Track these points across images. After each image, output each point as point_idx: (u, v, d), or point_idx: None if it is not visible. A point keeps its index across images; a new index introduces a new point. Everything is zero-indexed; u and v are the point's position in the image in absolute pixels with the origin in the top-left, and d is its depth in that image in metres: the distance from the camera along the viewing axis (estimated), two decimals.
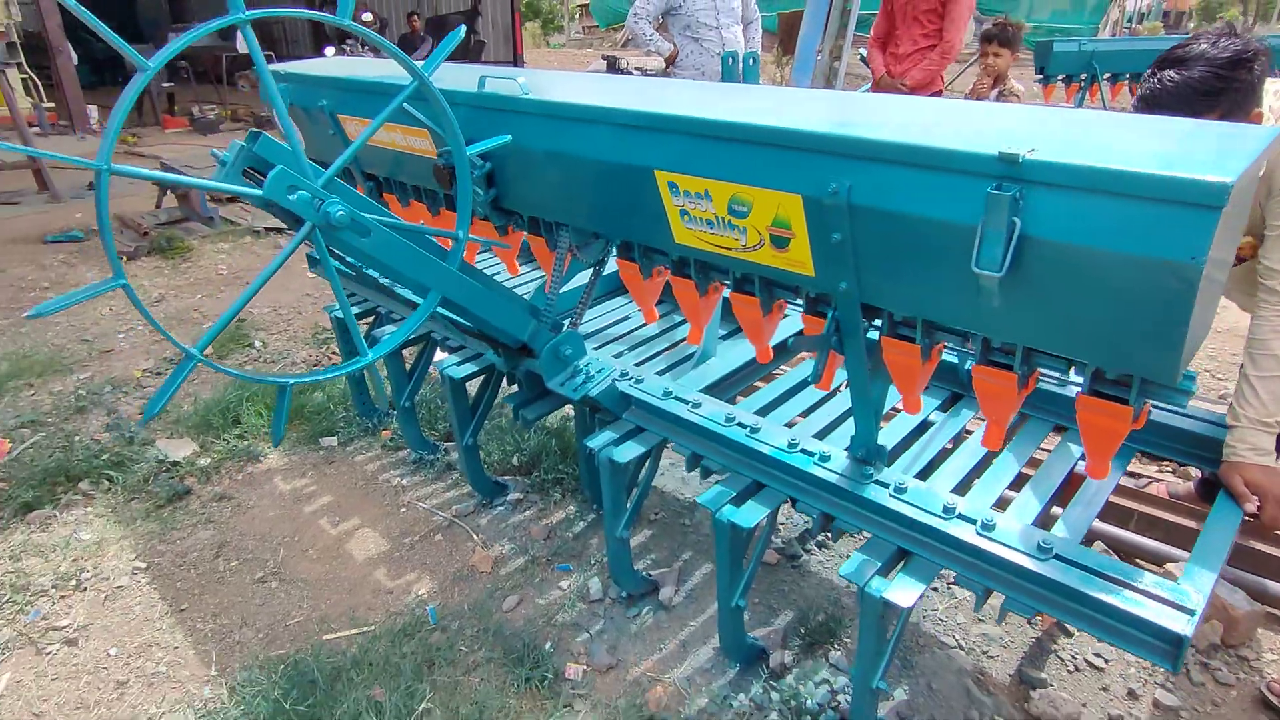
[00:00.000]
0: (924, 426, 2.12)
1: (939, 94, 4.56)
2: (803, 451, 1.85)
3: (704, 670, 2.14)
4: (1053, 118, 1.44)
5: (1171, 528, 2.56)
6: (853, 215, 1.37)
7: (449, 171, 2.06)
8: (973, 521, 1.59)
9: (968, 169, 1.20)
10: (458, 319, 2.17)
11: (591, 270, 2.21)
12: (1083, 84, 6.96)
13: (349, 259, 1.87)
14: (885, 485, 1.71)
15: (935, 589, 2.41)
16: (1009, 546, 1.53)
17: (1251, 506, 1.62)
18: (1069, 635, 2.25)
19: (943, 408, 2.21)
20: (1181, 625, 1.33)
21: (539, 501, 2.83)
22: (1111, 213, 1.10)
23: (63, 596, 2.44)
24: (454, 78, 2.16)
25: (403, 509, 2.83)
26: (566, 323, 2.27)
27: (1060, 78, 6.91)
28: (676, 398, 2.10)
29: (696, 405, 2.06)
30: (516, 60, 13.31)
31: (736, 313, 1.84)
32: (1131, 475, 2.90)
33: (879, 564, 1.64)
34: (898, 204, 1.31)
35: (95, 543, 2.66)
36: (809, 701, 1.95)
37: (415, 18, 12.56)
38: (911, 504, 1.66)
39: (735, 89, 2.06)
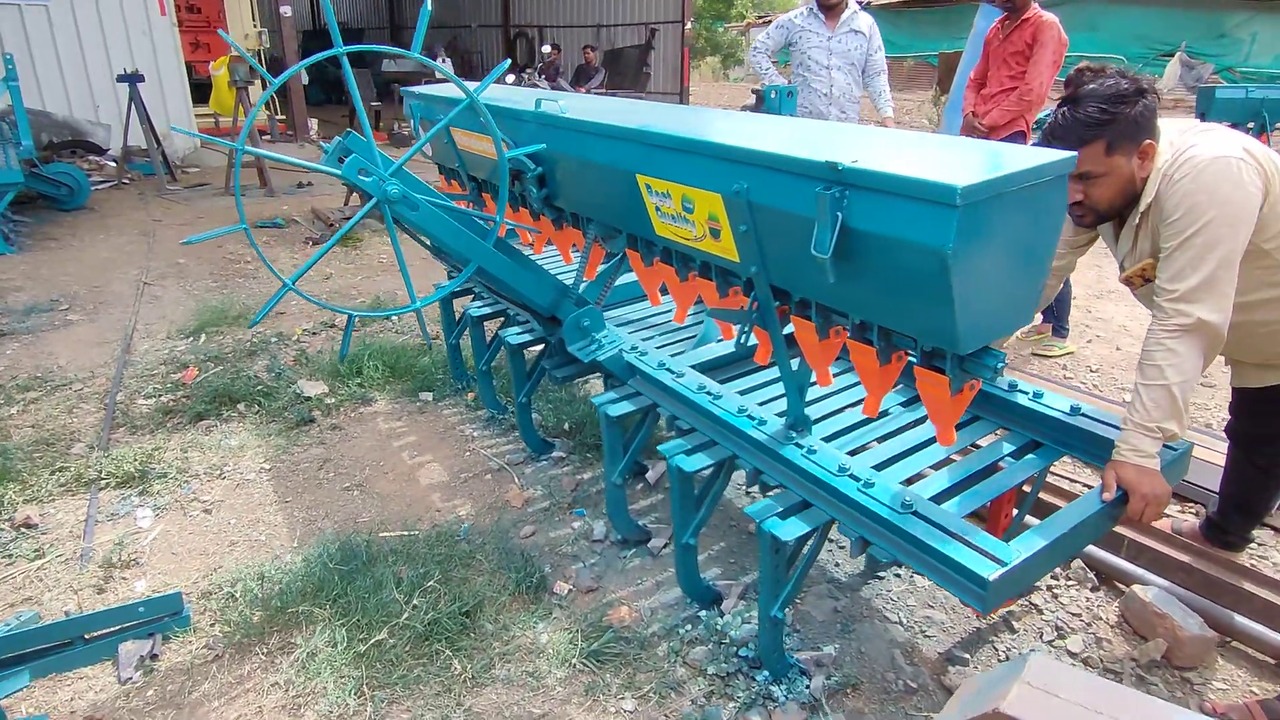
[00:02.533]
0: (882, 416, 2.38)
1: (1024, 135, 4.61)
2: (748, 417, 2.20)
3: (669, 605, 2.51)
4: (893, 138, 1.75)
5: (1157, 557, 2.61)
6: (752, 210, 1.75)
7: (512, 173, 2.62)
8: (858, 480, 1.88)
9: (809, 173, 1.55)
10: (502, 291, 2.69)
11: (616, 260, 2.67)
12: (1250, 132, 6.55)
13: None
14: (801, 448, 2.03)
15: (898, 575, 2.63)
16: (879, 501, 1.81)
17: (1108, 496, 1.79)
18: (1012, 631, 2.40)
19: (905, 404, 2.45)
20: (988, 571, 1.57)
21: (576, 461, 3.31)
22: (898, 208, 1.42)
23: (209, 480, 3.21)
24: (527, 99, 2.70)
25: (467, 453, 3.40)
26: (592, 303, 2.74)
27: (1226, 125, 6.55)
28: (667, 369, 2.51)
29: (680, 375, 2.46)
30: (682, 93, 14.05)
31: (703, 295, 2.23)
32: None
33: (779, 509, 1.96)
34: (777, 201, 1.67)
35: (239, 447, 3.43)
36: (733, 633, 2.27)
37: (590, 50, 13.66)
38: (815, 463, 1.97)
39: (738, 116, 2.46)
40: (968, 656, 2.29)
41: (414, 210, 2.19)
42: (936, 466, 2.13)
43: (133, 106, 8.05)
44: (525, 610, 2.49)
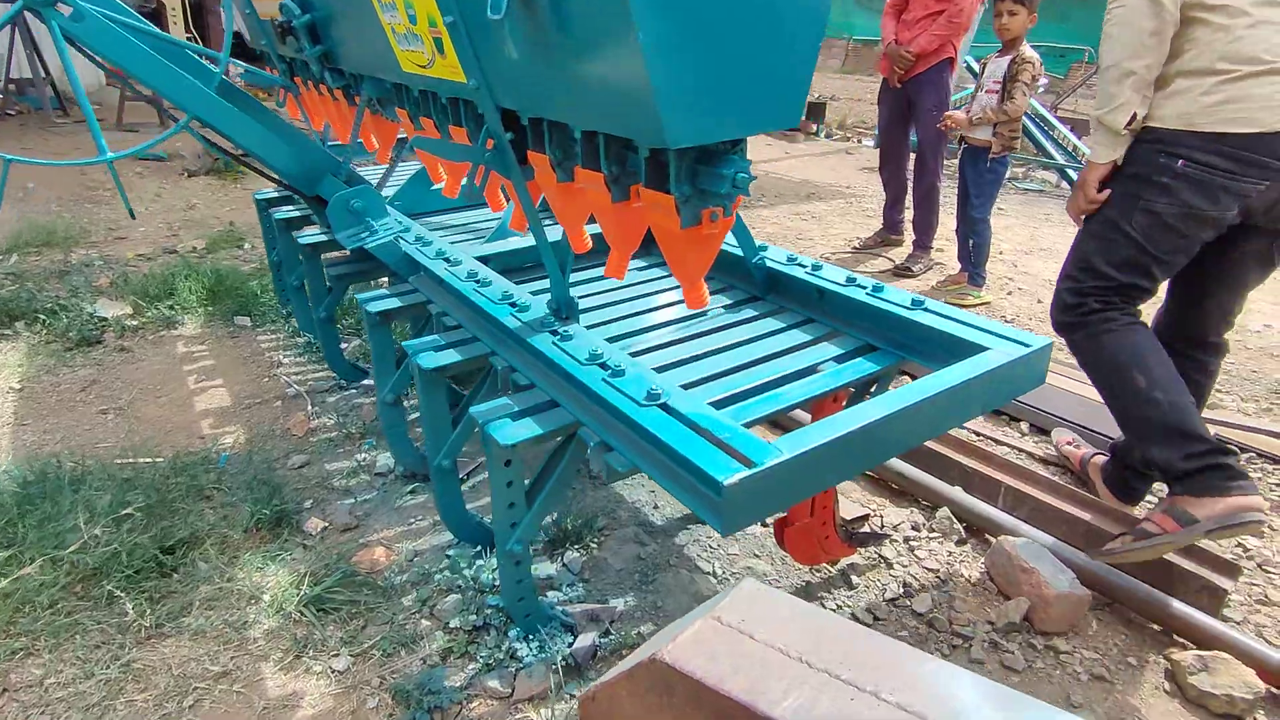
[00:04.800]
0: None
1: (950, 63, 4.18)
2: (510, 304, 1.73)
3: (439, 547, 2.03)
4: None
5: (1039, 507, 2.19)
6: None
7: (280, 28, 2.12)
8: (606, 369, 1.42)
9: None
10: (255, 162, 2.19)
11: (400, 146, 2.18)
12: None
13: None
14: (555, 334, 1.56)
15: None
16: (621, 393, 1.35)
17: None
18: (850, 588, 1.96)
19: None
20: (725, 474, 1.11)
21: None
22: None
23: None
24: None
25: (265, 380, 2.90)
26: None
27: None
28: (445, 258, 2.03)
29: (455, 264, 1.98)
30: None
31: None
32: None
33: (516, 409, 1.49)
34: None
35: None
36: (484, 577, 1.81)
37: None
38: (563, 351, 1.50)
39: None
40: None
41: (80, 23, 1.68)
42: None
43: (15, 34, 7.38)
44: (259, 549, 2.00)
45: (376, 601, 1.86)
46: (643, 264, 2.28)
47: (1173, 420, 1.79)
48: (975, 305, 3.95)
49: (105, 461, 2.29)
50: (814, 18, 1.07)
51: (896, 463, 2.38)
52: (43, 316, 3.24)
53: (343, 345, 2.98)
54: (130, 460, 2.32)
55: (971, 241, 3.96)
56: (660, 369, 1.60)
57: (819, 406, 1.70)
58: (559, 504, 1.94)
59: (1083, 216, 1.97)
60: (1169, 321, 2.06)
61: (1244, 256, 1.87)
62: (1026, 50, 3.69)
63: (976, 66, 3.88)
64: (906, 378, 2.79)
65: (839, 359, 1.68)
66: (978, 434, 2.69)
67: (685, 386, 1.54)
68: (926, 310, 1.66)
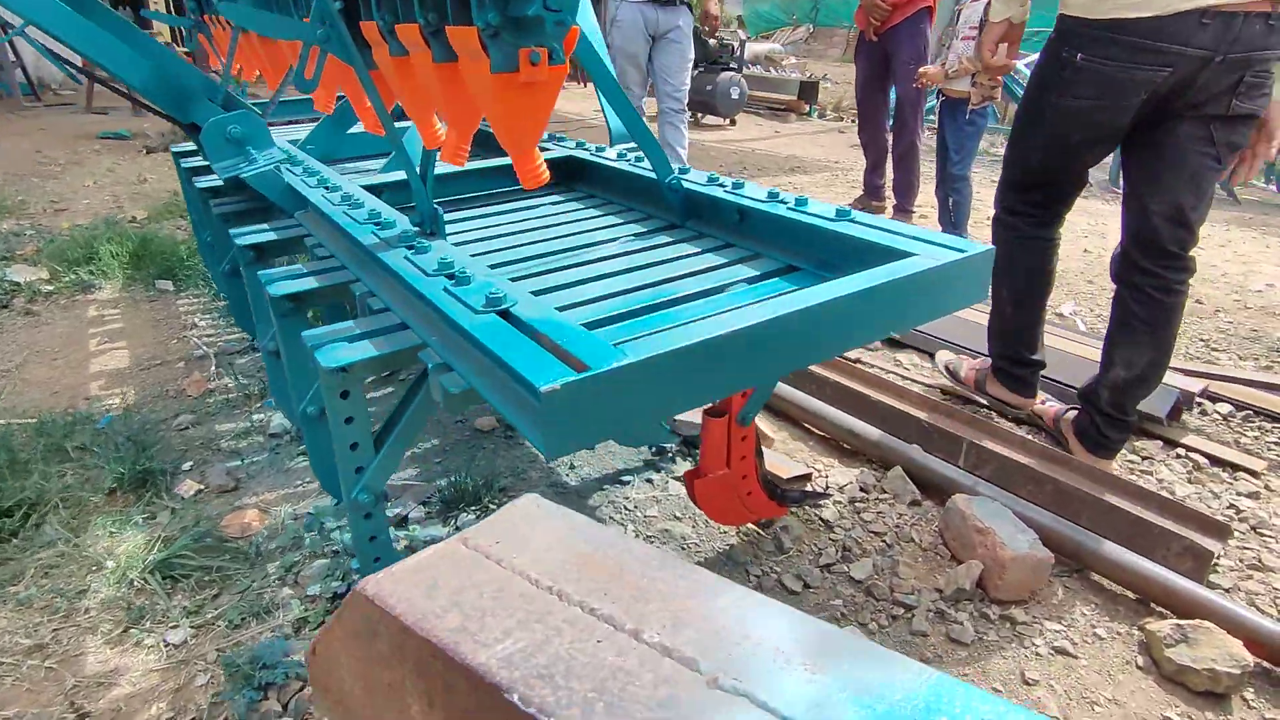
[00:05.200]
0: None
1: (930, 12, 3.92)
2: (374, 223, 1.49)
3: (324, 512, 1.81)
4: None
5: (1003, 465, 1.94)
6: None
7: None
8: (453, 279, 1.18)
9: None
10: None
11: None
12: None
13: None
14: (412, 249, 1.33)
15: (649, 479, 1.94)
16: (462, 301, 1.11)
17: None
18: (782, 552, 1.72)
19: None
20: (545, 380, 0.88)
21: None
22: None
23: None
24: None
25: (174, 342, 2.68)
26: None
27: None
28: (325, 186, 1.80)
29: (334, 190, 1.75)
30: None
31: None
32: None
33: (357, 332, 1.27)
34: None
35: None
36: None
37: None
38: (414, 263, 1.27)
39: None
40: None
41: None
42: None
43: None
44: (112, 509, 1.78)
45: (236, 568, 1.63)
46: (559, 198, 2.04)
47: (1023, 339, 2.13)
48: None
49: None
50: None
51: (847, 419, 2.14)
52: None
53: None
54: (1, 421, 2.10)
55: (951, 200, 3.70)
56: (538, 293, 1.37)
57: None
58: (410, 444, 1.70)
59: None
60: (1127, 237, 1.87)
61: (1180, 144, 1.73)
62: None
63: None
64: None
65: (751, 280, 1.44)
66: (944, 391, 2.44)
67: (561, 309, 1.31)
68: (853, 221, 1.42)
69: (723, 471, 1.58)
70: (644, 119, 4.63)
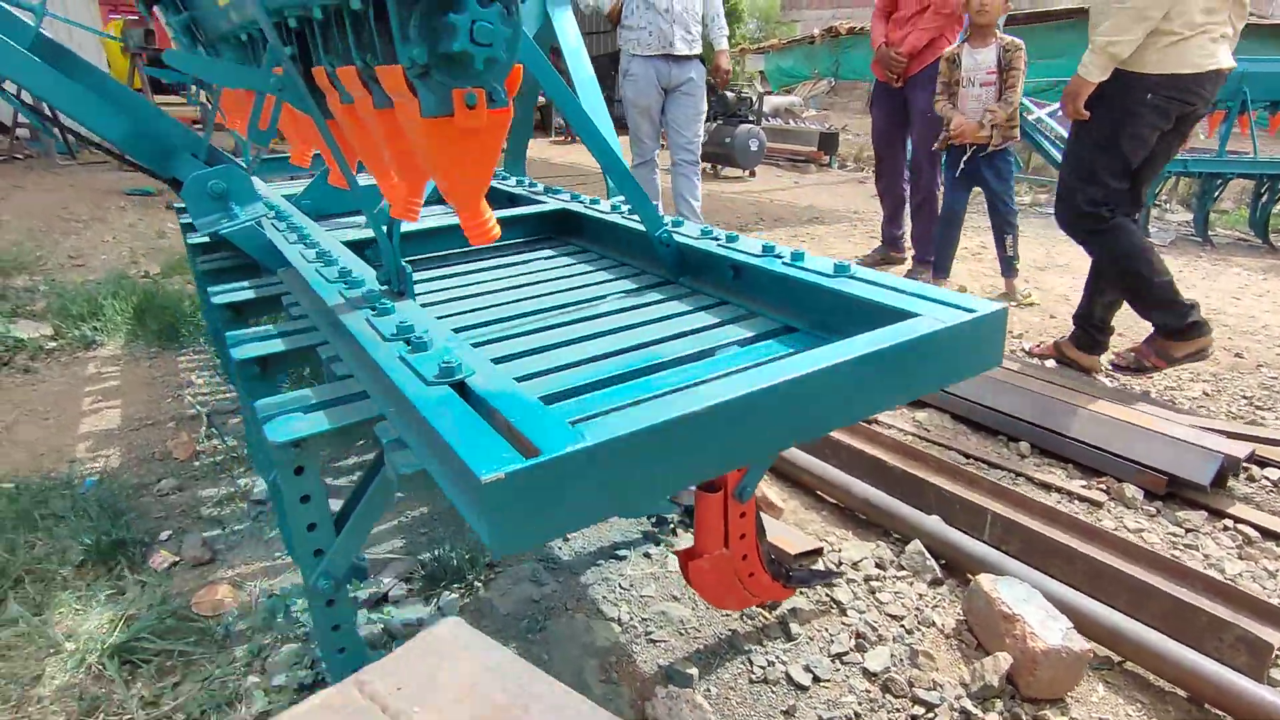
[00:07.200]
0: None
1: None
2: (343, 280, 1.41)
3: (299, 586, 1.70)
4: None
5: (1030, 539, 1.78)
6: None
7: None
8: (409, 345, 1.09)
9: None
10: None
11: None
12: (1229, 114, 5.70)
13: None
14: (374, 310, 1.24)
15: (647, 554, 1.81)
16: (414, 370, 1.01)
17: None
18: (789, 639, 1.57)
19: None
20: (487, 468, 0.77)
21: None
22: None
23: None
24: None
25: (169, 400, 2.62)
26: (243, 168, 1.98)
27: None
28: (304, 241, 1.74)
29: (312, 245, 1.69)
30: None
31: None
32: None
33: (313, 401, 1.18)
34: None
35: None
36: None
37: None
38: (373, 326, 1.18)
39: None
40: (697, 673, 1.46)
41: None
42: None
43: None
44: (81, 582, 1.69)
45: (201, 652, 1.52)
46: (551, 252, 1.96)
47: (1169, 294, 2.61)
48: (1035, 301, 3.74)
49: None
50: None
51: (861, 487, 2.00)
52: None
53: None
54: None
55: (1009, 239, 3.69)
56: (506, 358, 1.28)
57: None
58: (370, 527, 1.60)
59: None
60: (1109, 195, 2.62)
61: (1171, 142, 2.61)
62: (1006, 36, 3.41)
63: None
64: None
65: (744, 342, 1.33)
66: (967, 455, 2.29)
67: (531, 376, 1.21)
68: (852, 278, 1.31)
69: (720, 552, 1.44)
70: (655, 170, 4.60)
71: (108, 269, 4.25)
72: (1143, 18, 2.33)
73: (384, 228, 1.31)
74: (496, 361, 1.25)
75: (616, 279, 1.69)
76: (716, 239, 1.59)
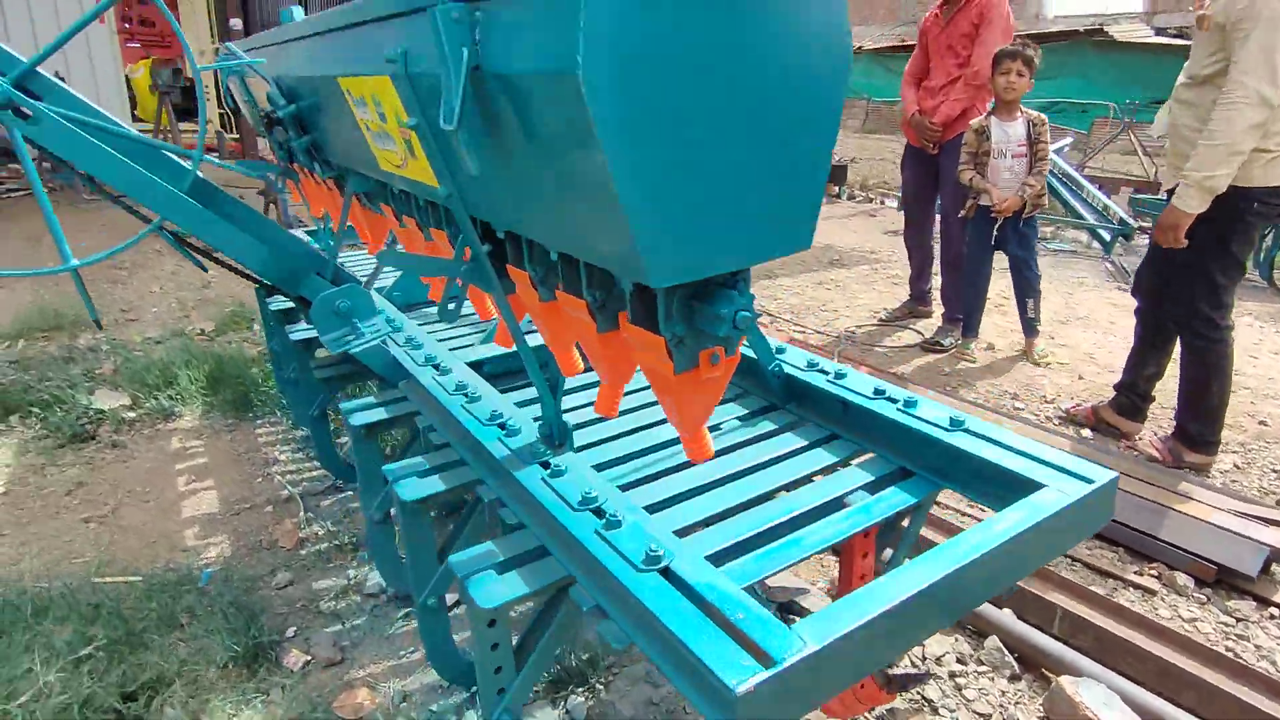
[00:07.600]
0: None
1: None
2: (499, 425, 1.55)
3: (430, 687, 1.83)
4: None
5: (1100, 636, 1.94)
6: (415, 88, 1.13)
7: (268, 118, 2.04)
8: (603, 518, 1.23)
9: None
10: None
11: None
12: None
13: None
14: (547, 468, 1.38)
15: None
16: (618, 550, 1.16)
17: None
18: (935, 712, 1.72)
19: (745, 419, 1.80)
20: (737, 677, 0.91)
21: None
22: (527, 17, 0.80)
23: None
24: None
25: (259, 480, 2.75)
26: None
27: None
28: (434, 364, 1.88)
29: (445, 373, 1.82)
30: None
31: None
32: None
33: (501, 558, 1.31)
34: (432, 65, 1.06)
35: None
36: None
37: None
38: (554, 489, 1.32)
39: None
40: None
41: (38, 126, 1.58)
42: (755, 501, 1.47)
43: None
44: (227, 686, 1.81)
45: None
46: None
47: (1220, 415, 2.84)
48: (1052, 361, 3.94)
49: (73, 585, 2.12)
50: (824, 127, 0.91)
51: None
52: (36, 410, 3.14)
53: (342, 440, 2.83)
54: (103, 580, 2.16)
55: (1031, 303, 3.86)
56: (659, 505, 1.42)
57: (848, 544, 1.49)
58: (549, 663, 1.74)
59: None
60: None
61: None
62: (1031, 111, 3.62)
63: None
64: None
65: (869, 487, 1.47)
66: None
67: (688, 529, 1.35)
68: (968, 433, 1.46)
69: None
70: None
71: (161, 324, 4.37)
72: (1236, 153, 2.46)
73: (547, 384, 1.45)
74: (650, 510, 1.40)
75: (725, 400, 1.84)
76: (825, 373, 1.74)
